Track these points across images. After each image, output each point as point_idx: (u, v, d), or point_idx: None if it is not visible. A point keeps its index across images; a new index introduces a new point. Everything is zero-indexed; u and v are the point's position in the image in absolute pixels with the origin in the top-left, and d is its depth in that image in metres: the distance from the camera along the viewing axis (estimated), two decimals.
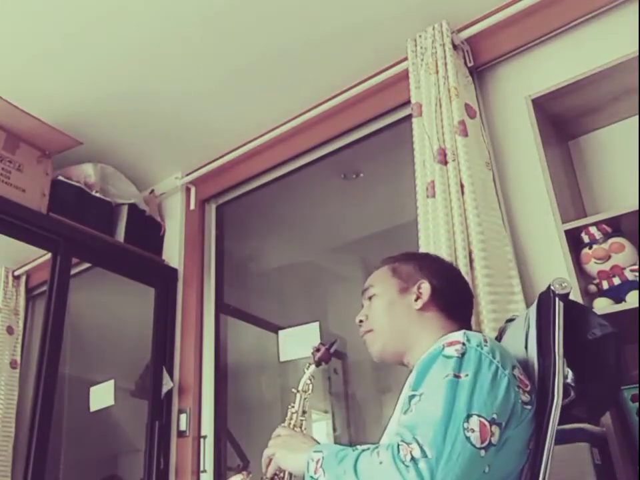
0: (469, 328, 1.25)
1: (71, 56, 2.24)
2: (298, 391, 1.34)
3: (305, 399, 1.34)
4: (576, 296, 1.48)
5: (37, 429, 2.10)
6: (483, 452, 0.91)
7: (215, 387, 2.59)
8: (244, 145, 2.70)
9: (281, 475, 1.20)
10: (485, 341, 1.03)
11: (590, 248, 1.58)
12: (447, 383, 0.96)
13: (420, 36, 2.15)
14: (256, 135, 2.67)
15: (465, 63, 2.12)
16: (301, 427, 1.30)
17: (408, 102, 2.13)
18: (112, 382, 2.65)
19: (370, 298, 1.32)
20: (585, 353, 1.10)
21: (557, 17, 2.00)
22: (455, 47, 2.10)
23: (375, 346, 1.28)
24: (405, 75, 2.18)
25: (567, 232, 1.59)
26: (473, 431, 0.92)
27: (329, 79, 2.41)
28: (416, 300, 1.25)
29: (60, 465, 2.60)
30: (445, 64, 2.04)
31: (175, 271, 2.81)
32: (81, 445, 2.78)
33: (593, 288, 1.58)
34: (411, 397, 0.99)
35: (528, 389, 1.02)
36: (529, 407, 1.00)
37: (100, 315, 2.97)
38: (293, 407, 1.32)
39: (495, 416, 0.94)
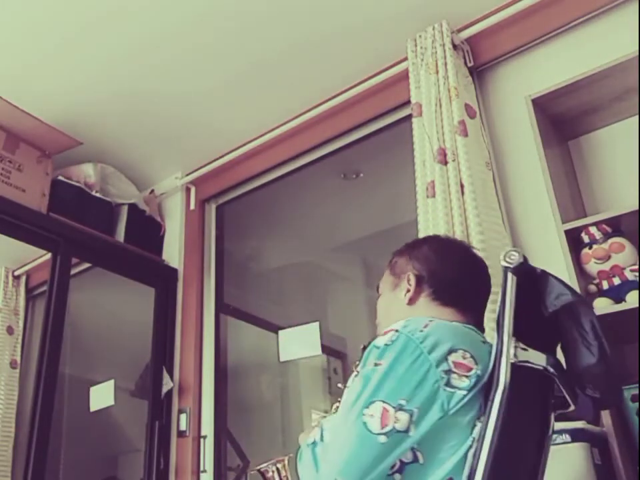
0: (473, 311, 1.19)
1: (71, 56, 2.24)
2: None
3: None
4: None
5: (36, 428, 2.10)
6: (382, 438, 0.92)
7: (215, 387, 2.58)
8: (244, 145, 2.70)
9: None
10: (426, 326, 1.02)
11: (590, 248, 1.58)
12: (365, 373, 0.99)
13: (420, 36, 2.15)
14: (256, 135, 2.67)
15: (465, 63, 2.12)
16: None
17: (408, 102, 2.13)
18: (112, 382, 2.65)
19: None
20: (557, 330, 1.04)
21: (557, 17, 2.00)
22: (454, 46, 2.10)
23: None
24: (405, 75, 2.18)
25: (567, 232, 1.59)
26: (372, 416, 0.93)
27: (329, 79, 2.41)
28: (405, 294, 1.22)
29: (60, 465, 2.60)
30: (445, 64, 2.04)
31: (174, 271, 2.81)
32: (81, 445, 2.78)
33: (592, 288, 1.58)
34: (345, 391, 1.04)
35: (469, 372, 0.98)
36: (462, 392, 0.96)
37: (100, 314, 2.97)
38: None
39: (402, 402, 0.94)
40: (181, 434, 2.50)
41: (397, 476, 0.97)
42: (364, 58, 2.32)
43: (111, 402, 2.62)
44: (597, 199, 1.84)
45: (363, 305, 2.90)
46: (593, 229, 1.58)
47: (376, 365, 0.98)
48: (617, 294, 1.52)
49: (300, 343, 2.42)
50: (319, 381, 2.91)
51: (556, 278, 1.03)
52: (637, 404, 1.42)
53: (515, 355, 0.96)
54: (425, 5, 2.10)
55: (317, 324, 2.37)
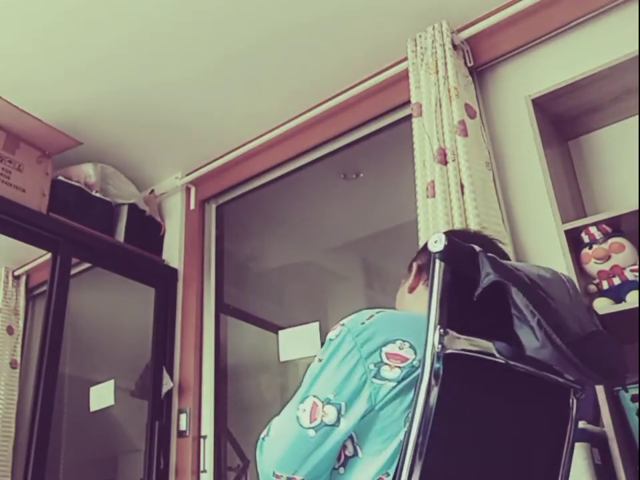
0: None
1: (71, 56, 2.24)
2: None
3: None
4: None
5: (36, 428, 2.10)
6: (311, 431, 0.94)
7: (215, 387, 2.59)
8: (244, 145, 2.70)
9: None
10: (370, 317, 1.00)
11: (590, 248, 1.58)
12: (309, 368, 1.02)
13: (420, 36, 2.15)
14: (256, 135, 2.67)
15: (465, 63, 2.12)
16: None
17: (408, 102, 2.13)
18: (112, 382, 2.65)
19: None
20: (494, 314, 0.96)
21: (557, 17, 2.00)
22: (454, 46, 2.10)
23: None
24: (405, 75, 2.18)
25: (567, 232, 1.59)
26: (304, 411, 0.96)
27: (329, 79, 2.41)
28: (407, 283, 1.23)
29: (60, 464, 2.60)
30: (445, 64, 2.04)
31: (174, 271, 2.81)
32: (81, 445, 2.78)
33: (593, 288, 1.58)
34: None
35: (404, 363, 0.95)
36: (392, 384, 0.94)
37: (100, 314, 2.97)
38: None
39: (330, 396, 0.95)
40: (180, 434, 2.50)
41: (341, 469, 0.99)
42: (364, 58, 2.32)
43: (111, 402, 2.62)
44: (597, 199, 1.84)
45: (363, 305, 2.90)
46: (592, 229, 1.58)
47: (319, 360, 1.01)
48: (617, 294, 1.52)
49: (300, 343, 2.41)
50: None
51: (488, 257, 0.95)
52: (637, 404, 1.42)
53: (442, 344, 0.89)
54: (425, 4, 2.10)
55: (316, 324, 2.37)
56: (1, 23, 2.09)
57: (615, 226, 1.58)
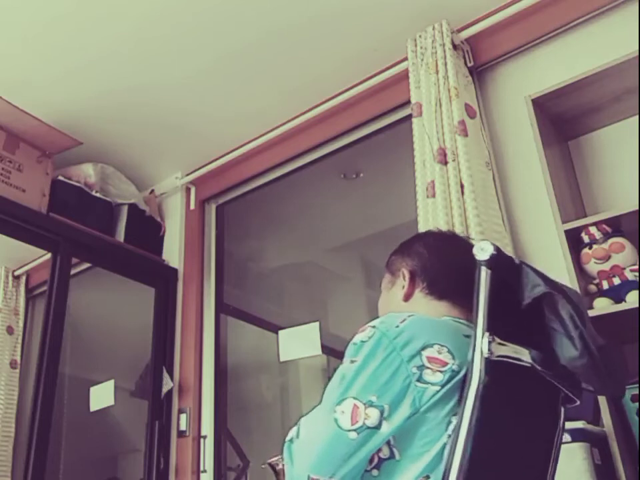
0: (467, 305, 1.13)
1: (71, 56, 2.24)
2: None
3: None
4: None
5: (36, 428, 2.10)
6: (353, 434, 0.93)
7: (215, 387, 2.59)
8: (244, 145, 2.70)
9: None
10: (403, 320, 1.01)
11: (590, 248, 1.58)
12: (339, 370, 1.00)
13: (420, 36, 2.15)
14: (256, 135, 2.67)
15: (465, 63, 2.12)
16: None
17: (408, 102, 2.13)
18: (112, 382, 2.65)
19: None
20: (536, 323, 1.01)
21: (557, 16, 2.00)
22: (454, 46, 2.10)
23: None
24: (404, 75, 2.18)
25: (567, 232, 1.59)
26: (343, 413, 0.94)
27: (329, 79, 2.41)
28: (402, 290, 1.21)
29: (60, 464, 2.60)
30: (445, 64, 2.04)
31: (175, 271, 2.81)
32: (81, 444, 2.78)
33: (593, 288, 1.58)
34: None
35: (444, 367, 0.96)
36: (435, 387, 0.95)
37: (100, 314, 2.97)
38: None
39: (372, 398, 0.94)
40: (180, 434, 2.50)
41: (375, 472, 0.98)
42: (364, 58, 2.32)
43: (111, 402, 2.62)
44: (597, 199, 1.84)
45: (362, 304, 2.91)
46: (592, 229, 1.58)
47: (352, 362, 0.99)
48: (617, 294, 1.52)
49: (300, 343, 2.41)
50: (318, 381, 2.91)
51: (532, 268, 1.00)
52: (637, 404, 1.42)
53: (490, 351, 0.93)
54: (425, 4, 2.10)
55: (316, 324, 2.37)
56: (0, 23, 2.09)
57: (615, 226, 1.58)
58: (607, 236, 1.57)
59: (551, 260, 1.73)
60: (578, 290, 1.51)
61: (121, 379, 2.69)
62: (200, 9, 2.08)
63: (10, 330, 2.71)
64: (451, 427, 0.95)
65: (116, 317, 2.95)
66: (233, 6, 2.08)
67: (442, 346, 0.98)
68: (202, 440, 2.48)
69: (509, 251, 1.82)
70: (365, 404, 0.94)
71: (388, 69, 2.31)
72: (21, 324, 2.75)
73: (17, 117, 2.31)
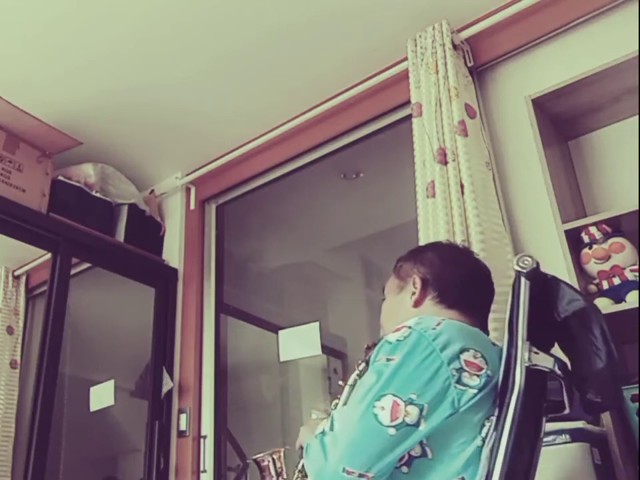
0: (477, 314, 1.21)
1: (71, 56, 2.24)
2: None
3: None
4: None
5: (36, 428, 2.10)
6: (392, 430, 0.94)
7: (215, 387, 2.59)
8: (244, 145, 2.70)
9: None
10: (438, 324, 1.04)
11: (590, 248, 1.58)
12: (376, 367, 1.01)
13: (420, 36, 2.15)
14: (256, 135, 2.67)
15: (465, 63, 2.12)
16: None
17: (408, 102, 2.13)
18: (112, 382, 2.65)
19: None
20: (569, 334, 1.05)
21: (557, 16, 2.00)
22: (454, 46, 2.10)
23: None
24: (404, 75, 2.18)
25: (567, 232, 1.59)
26: (383, 409, 0.95)
27: (329, 79, 2.41)
28: (411, 297, 1.24)
29: (60, 464, 2.60)
30: (445, 64, 2.04)
31: (175, 271, 2.81)
32: (81, 444, 2.78)
33: (593, 288, 1.58)
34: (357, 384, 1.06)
35: (480, 372, 1.00)
36: (473, 390, 0.98)
37: (100, 314, 2.97)
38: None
39: (413, 396, 0.96)
40: (180, 434, 2.50)
41: (404, 468, 0.99)
42: (364, 58, 2.32)
43: (111, 402, 2.62)
44: (597, 199, 1.84)
45: (363, 304, 2.90)
46: (592, 229, 1.58)
47: (388, 359, 1.00)
48: (617, 294, 1.52)
49: (300, 343, 2.42)
50: (318, 381, 2.91)
51: (566, 283, 1.06)
52: (637, 404, 1.42)
53: (529, 359, 0.98)
54: (425, 4, 2.10)
55: (316, 324, 2.37)
56: (0, 23, 2.09)
57: (615, 226, 1.58)
58: (607, 236, 1.56)
59: (551, 260, 1.73)
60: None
61: (121, 379, 2.69)
62: (200, 9, 2.08)
63: (10, 330, 2.70)
64: (485, 429, 0.99)
65: (116, 317, 2.95)
66: (232, 6, 2.08)
67: (476, 351, 1.02)
68: (202, 440, 2.48)
69: (508, 250, 1.82)
70: (405, 401, 0.95)
71: (388, 69, 2.31)
72: (21, 324, 2.75)
73: (16, 117, 2.31)
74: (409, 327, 1.03)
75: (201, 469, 2.44)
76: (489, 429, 0.99)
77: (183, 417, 2.51)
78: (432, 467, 0.98)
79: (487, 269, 1.31)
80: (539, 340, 1.02)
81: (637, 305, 1.43)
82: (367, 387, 0.99)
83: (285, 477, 1.33)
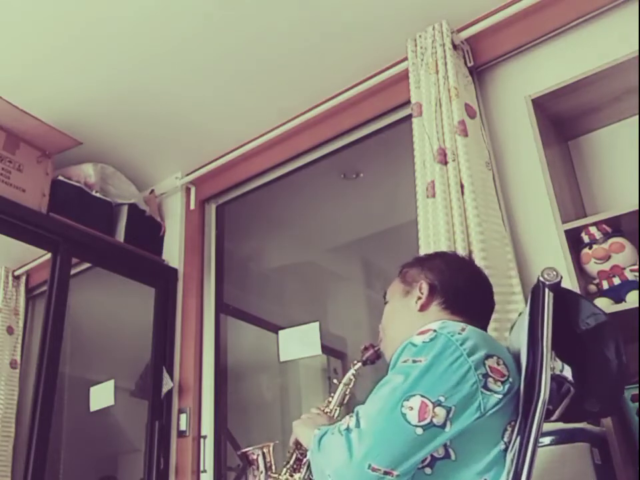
0: (479, 323, 1.23)
1: (72, 57, 2.24)
2: (340, 383, 1.37)
3: (345, 391, 1.38)
4: None
5: (36, 428, 2.10)
6: (419, 430, 0.96)
7: (215, 387, 2.59)
8: (244, 145, 2.70)
9: (299, 448, 1.27)
10: (463, 329, 1.06)
11: (590, 248, 1.58)
12: (402, 367, 1.02)
13: (420, 36, 2.15)
14: (256, 135, 2.67)
15: (465, 63, 2.12)
16: (333, 415, 1.33)
17: (408, 102, 2.13)
18: (112, 382, 2.65)
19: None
20: (582, 345, 1.09)
21: (557, 16, 2.00)
22: (454, 46, 2.10)
23: (387, 353, 1.29)
24: (405, 75, 2.18)
25: (567, 232, 1.59)
26: (411, 408, 0.97)
27: (329, 79, 2.41)
28: (417, 301, 1.25)
29: (60, 464, 2.60)
30: (445, 64, 2.04)
31: (175, 271, 2.81)
32: (81, 445, 2.78)
33: (593, 288, 1.58)
34: (379, 384, 1.05)
35: (504, 378, 1.02)
36: (498, 396, 1.00)
37: (100, 314, 2.97)
38: (332, 396, 1.36)
39: (441, 398, 0.97)
40: (180, 434, 2.50)
41: (428, 470, 1.01)
42: (364, 58, 2.32)
43: (111, 402, 2.62)
44: (597, 199, 1.84)
45: (363, 305, 2.90)
46: (592, 229, 1.58)
47: (414, 361, 1.01)
48: (617, 294, 1.52)
49: (300, 343, 2.42)
50: (318, 381, 2.91)
51: (584, 297, 1.12)
52: (637, 404, 1.42)
53: (554, 368, 1.03)
54: (425, 4, 2.10)
55: (316, 324, 2.37)
56: (2, 24, 2.09)
57: (615, 226, 1.58)
58: (607, 236, 1.56)
59: (551, 260, 1.73)
60: (578, 290, 1.52)
61: (121, 379, 2.69)
62: (199, 9, 2.08)
63: (10, 330, 2.70)
64: (507, 434, 1.02)
65: (116, 317, 2.95)
66: (232, 5, 2.08)
67: (499, 358, 1.05)
68: (202, 440, 2.48)
69: (508, 250, 1.82)
70: (433, 402, 0.97)
71: (388, 68, 2.30)
72: (21, 324, 2.75)
73: (16, 117, 2.31)
74: (434, 330, 1.05)
75: (201, 468, 2.44)
76: (510, 434, 1.02)
77: (183, 416, 2.51)
78: (455, 468, 1.00)
79: (488, 279, 1.35)
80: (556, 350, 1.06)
81: (637, 305, 1.43)
82: (394, 387, 1.00)
83: (273, 470, 1.33)
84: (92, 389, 2.68)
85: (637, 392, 1.42)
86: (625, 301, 1.49)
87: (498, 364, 1.03)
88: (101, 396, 2.64)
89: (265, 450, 1.36)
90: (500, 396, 1.00)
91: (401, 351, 1.07)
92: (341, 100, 2.42)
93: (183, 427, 2.50)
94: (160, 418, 2.51)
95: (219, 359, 2.66)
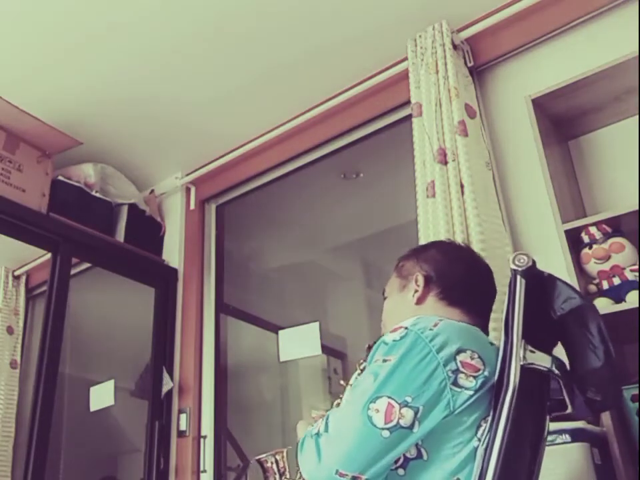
0: (479, 312, 1.21)
1: (72, 57, 2.24)
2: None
3: None
4: None
5: (36, 428, 2.10)
6: (386, 432, 0.94)
7: (215, 387, 2.59)
8: (244, 145, 2.70)
9: None
10: (436, 324, 1.03)
11: (590, 248, 1.58)
12: (373, 368, 1.01)
13: (420, 36, 2.15)
14: (256, 135, 2.67)
15: (465, 63, 2.12)
16: None
17: (408, 102, 2.13)
18: (112, 382, 2.65)
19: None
20: (563, 332, 1.05)
21: (556, 17, 2.00)
22: (455, 46, 2.10)
23: None
24: (405, 75, 2.18)
25: (567, 232, 1.59)
26: (377, 411, 0.95)
27: (329, 79, 2.41)
28: (414, 295, 1.23)
29: (60, 464, 2.60)
30: (445, 64, 2.04)
31: (175, 271, 2.81)
32: (81, 444, 2.78)
33: (593, 288, 1.58)
34: (352, 385, 1.05)
35: (477, 373, 0.99)
36: (469, 392, 0.97)
37: (100, 314, 2.97)
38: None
39: (408, 398, 0.95)
40: (180, 434, 2.50)
41: (401, 471, 0.99)
42: (364, 58, 2.32)
43: (111, 402, 2.62)
44: (597, 199, 1.84)
45: (362, 305, 2.90)
46: (592, 229, 1.58)
47: (384, 360, 1.00)
48: (617, 294, 1.52)
49: (300, 343, 2.42)
50: (318, 381, 2.91)
51: (563, 281, 1.05)
52: (637, 404, 1.42)
53: (524, 357, 0.97)
54: (425, 4, 2.10)
55: (316, 324, 2.37)
56: (3, 25, 2.09)
57: (615, 226, 1.58)
58: (607, 236, 1.56)
59: (551, 260, 1.73)
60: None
61: (121, 379, 2.69)
62: (199, 9, 2.08)
63: (10, 330, 2.71)
64: (481, 430, 0.98)
65: (116, 317, 2.95)
66: (232, 5, 2.08)
67: (473, 352, 1.01)
68: (202, 440, 2.48)
69: (508, 250, 1.82)
70: (400, 403, 0.95)
71: (388, 68, 2.31)
72: (21, 324, 2.75)
73: (16, 117, 2.31)
74: (406, 328, 1.03)
75: (201, 468, 2.44)
76: (484, 430, 0.99)
77: (183, 416, 2.51)
78: (427, 468, 0.98)
79: (488, 267, 1.31)
80: (539, 339, 1.01)
81: (637, 305, 1.43)
82: (363, 389, 0.99)
83: (288, 476, 1.33)
84: (92, 389, 2.68)
85: (637, 392, 1.42)
86: (625, 301, 1.49)
87: (472, 358, 1.00)
88: (101, 396, 2.64)
89: (278, 456, 1.35)
90: (471, 392, 0.97)
91: (375, 350, 1.05)
92: (341, 100, 2.42)
93: (183, 427, 2.50)
94: (160, 418, 2.51)
95: (218, 359, 2.66)
